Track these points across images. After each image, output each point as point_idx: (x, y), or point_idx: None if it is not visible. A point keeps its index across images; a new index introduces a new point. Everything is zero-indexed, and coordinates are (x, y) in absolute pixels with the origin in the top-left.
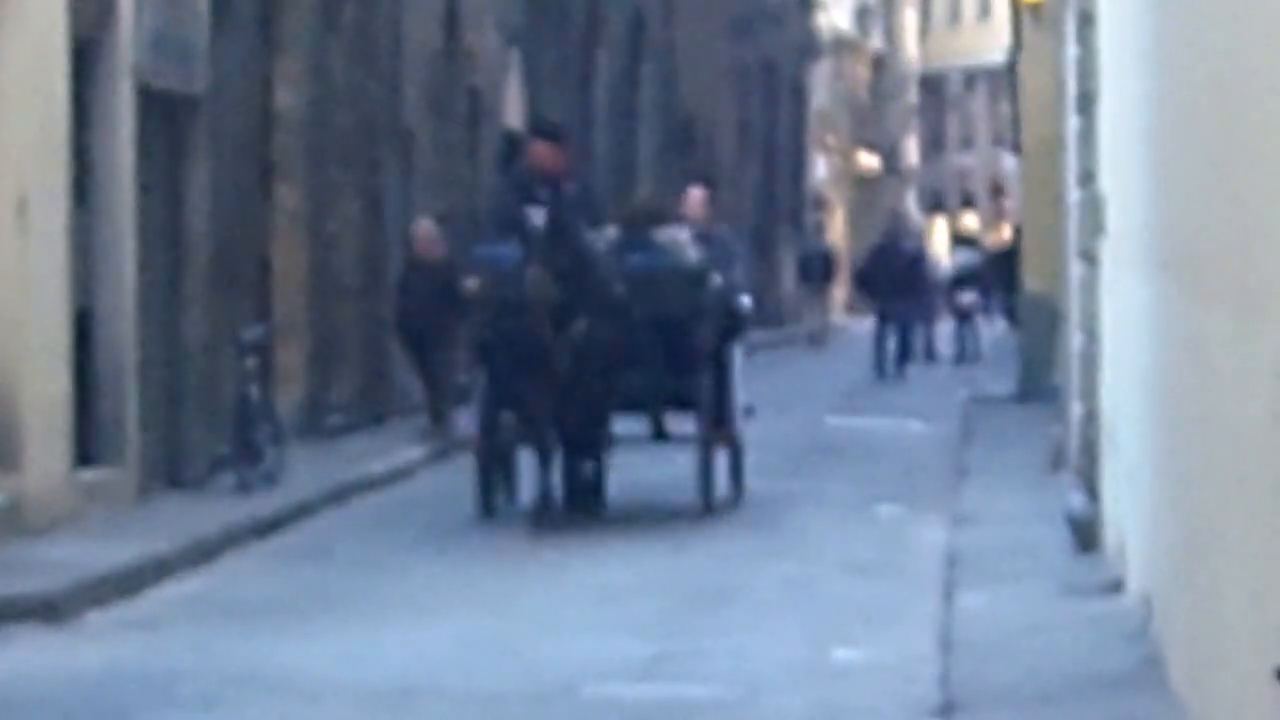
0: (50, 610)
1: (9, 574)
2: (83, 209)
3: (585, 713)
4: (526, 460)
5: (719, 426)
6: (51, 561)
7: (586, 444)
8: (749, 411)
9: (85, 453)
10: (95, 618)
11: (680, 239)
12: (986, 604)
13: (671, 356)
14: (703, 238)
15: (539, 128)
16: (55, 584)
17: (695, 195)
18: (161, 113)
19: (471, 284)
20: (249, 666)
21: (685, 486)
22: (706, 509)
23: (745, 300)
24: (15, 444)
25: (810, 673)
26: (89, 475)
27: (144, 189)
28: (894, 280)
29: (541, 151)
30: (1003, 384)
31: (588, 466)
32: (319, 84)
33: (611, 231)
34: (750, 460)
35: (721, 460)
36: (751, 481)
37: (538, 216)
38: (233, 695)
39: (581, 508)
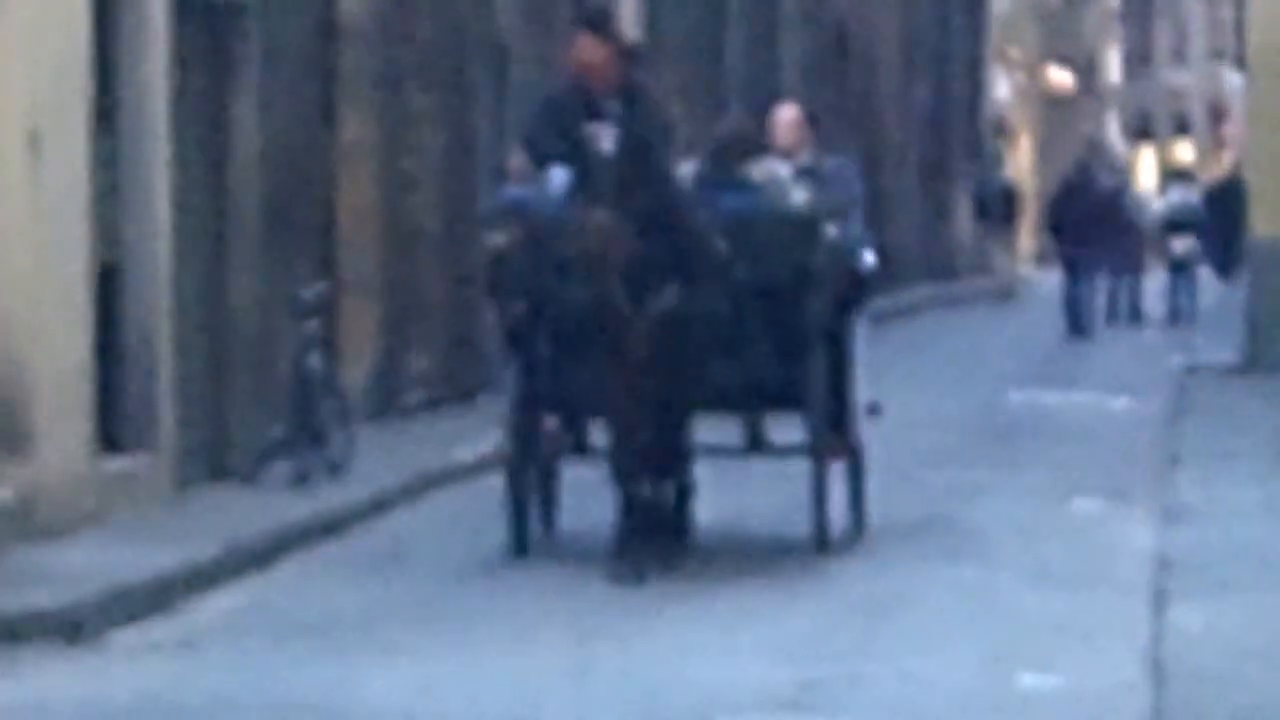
0: (71, 628)
1: (22, 585)
2: (107, 142)
3: None
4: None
5: (836, 432)
6: (72, 570)
7: (665, 458)
8: (874, 409)
9: (110, 438)
10: (123, 637)
11: (781, 175)
12: (1206, 620)
13: (774, 337)
14: (808, 173)
15: (587, 18)
16: (76, 597)
17: (786, 116)
18: (202, 22)
19: (496, 240)
20: (306, 696)
21: (785, 514)
22: (822, 546)
23: (868, 257)
24: (26, 428)
25: (992, 703)
26: (115, 465)
27: (181, 117)
28: (1086, 224)
29: (591, 51)
30: (1224, 351)
31: (665, 489)
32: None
33: (688, 167)
34: (920, 444)
35: (836, 479)
36: (920, 471)
37: (606, 138)
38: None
39: (659, 546)
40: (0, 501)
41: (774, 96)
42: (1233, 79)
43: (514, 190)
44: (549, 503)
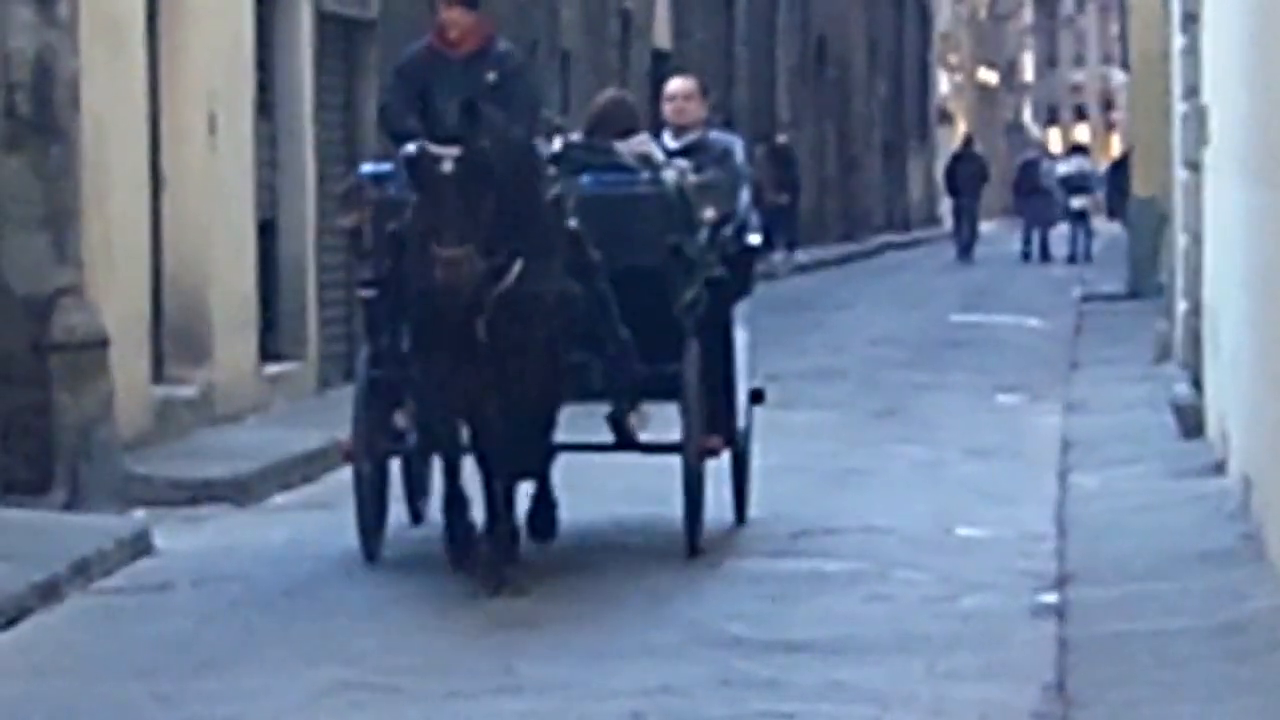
0: (240, 492)
1: (203, 459)
2: (266, 124)
3: (731, 581)
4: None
5: (716, 428)
6: (241, 448)
7: (519, 456)
8: (757, 397)
9: (269, 349)
10: (280, 499)
11: (651, 151)
12: (1099, 485)
13: (641, 328)
14: (695, 148)
15: None
16: (244, 468)
17: (673, 88)
18: (338, 36)
19: (350, 219)
20: (419, 543)
21: (659, 511)
22: (693, 551)
23: (753, 238)
24: (207, 341)
25: (936, 548)
26: (273, 369)
27: (322, 107)
28: (971, 184)
29: (455, 20)
30: (1113, 282)
31: (521, 489)
32: (483, 9)
33: (556, 145)
34: (881, 355)
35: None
36: (881, 374)
37: (447, 160)
38: (404, 569)
39: (512, 548)
40: (186, 396)
41: (771, 89)
42: (1119, 77)
43: (369, 167)
44: (415, 495)
